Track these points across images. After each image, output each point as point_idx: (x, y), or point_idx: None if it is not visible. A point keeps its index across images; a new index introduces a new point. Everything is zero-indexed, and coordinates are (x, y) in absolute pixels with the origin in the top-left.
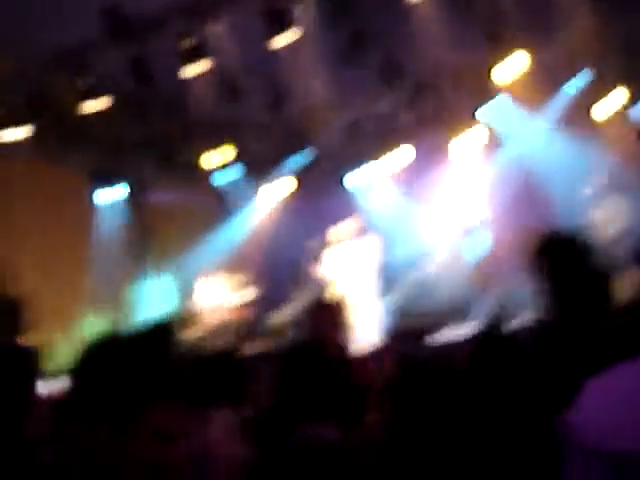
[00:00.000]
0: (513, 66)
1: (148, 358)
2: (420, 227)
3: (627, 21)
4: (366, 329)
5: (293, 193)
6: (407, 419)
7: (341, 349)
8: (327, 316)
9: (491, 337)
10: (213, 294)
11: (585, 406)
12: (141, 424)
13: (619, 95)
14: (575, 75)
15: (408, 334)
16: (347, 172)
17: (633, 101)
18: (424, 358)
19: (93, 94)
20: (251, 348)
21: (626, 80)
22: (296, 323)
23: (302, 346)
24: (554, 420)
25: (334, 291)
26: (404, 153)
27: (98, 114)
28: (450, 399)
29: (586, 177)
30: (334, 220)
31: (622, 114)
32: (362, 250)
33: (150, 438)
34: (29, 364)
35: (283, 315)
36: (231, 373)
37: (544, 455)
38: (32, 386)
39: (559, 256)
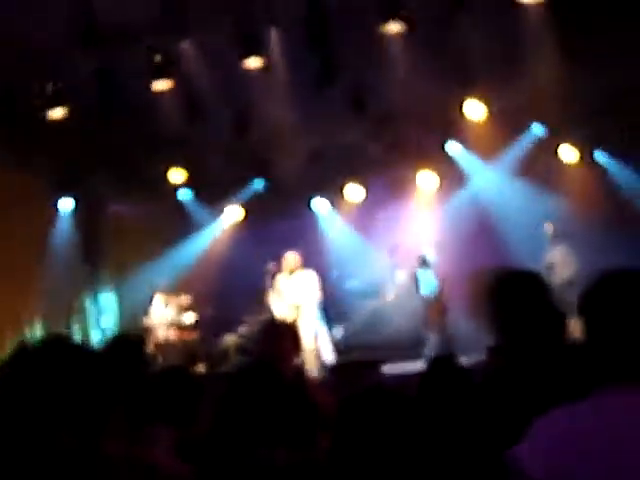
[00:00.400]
0: (474, 111)
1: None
2: (375, 259)
3: (590, 76)
4: (314, 356)
5: (251, 216)
6: (349, 446)
7: (294, 371)
8: (281, 336)
9: (439, 370)
10: (163, 312)
11: (533, 441)
12: (110, 427)
13: (574, 146)
14: (533, 124)
15: (358, 365)
16: (307, 199)
17: (590, 151)
18: (372, 387)
19: (59, 101)
20: (198, 368)
21: (584, 132)
22: (246, 345)
23: (252, 367)
24: (503, 453)
25: (285, 315)
26: (365, 184)
27: (62, 121)
28: (396, 428)
29: (539, 223)
30: (290, 246)
31: (579, 163)
32: (310, 279)
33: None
34: None
35: (232, 337)
36: (177, 392)
37: None
38: None
39: (514, 293)
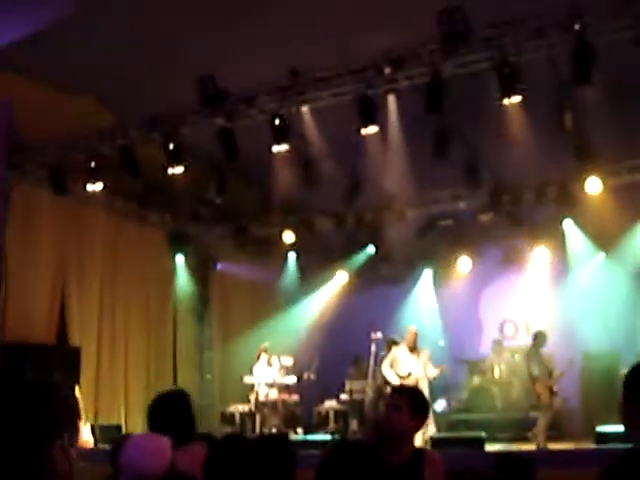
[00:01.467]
0: (592, 187)
1: None
2: (482, 334)
3: None
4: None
5: (357, 283)
6: None
7: (412, 445)
8: (414, 405)
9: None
10: (266, 371)
11: None
12: None
13: None
14: None
15: (461, 441)
16: (416, 267)
17: None
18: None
19: (179, 158)
20: (296, 431)
21: None
22: (347, 411)
23: (359, 443)
24: None
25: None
26: (476, 255)
27: (180, 178)
28: None
29: None
30: (398, 316)
31: None
32: (427, 356)
33: None
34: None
35: (332, 403)
36: (277, 458)
37: None
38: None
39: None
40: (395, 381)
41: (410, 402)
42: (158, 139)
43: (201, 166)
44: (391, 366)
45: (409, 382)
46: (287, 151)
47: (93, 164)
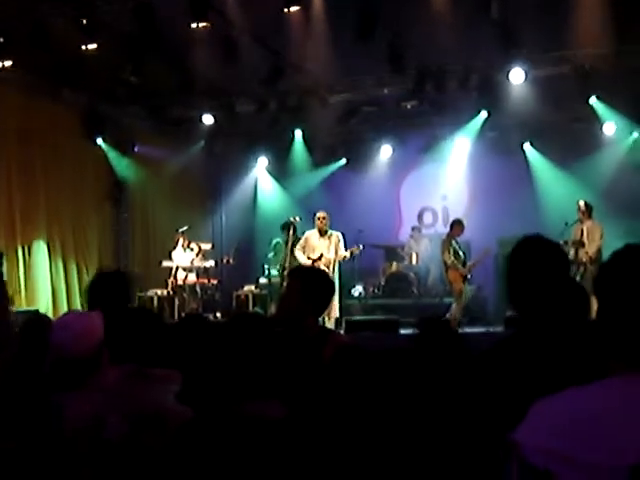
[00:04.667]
0: (516, 76)
1: None
2: (402, 221)
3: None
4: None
5: (278, 166)
6: (340, 404)
7: (316, 326)
8: (317, 282)
9: (433, 332)
10: (184, 255)
11: (534, 424)
12: None
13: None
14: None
15: (379, 325)
16: (338, 154)
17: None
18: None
19: (92, 35)
20: (215, 315)
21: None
22: (265, 297)
23: (253, 317)
24: (500, 434)
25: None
26: (398, 142)
27: (95, 56)
28: (391, 390)
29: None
30: (322, 202)
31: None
32: (339, 239)
33: None
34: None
35: (251, 288)
36: (193, 338)
37: (485, 468)
38: None
39: (526, 261)
40: (306, 263)
41: (303, 284)
42: (71, 15)
43: (117, 44)
44: (303, 250)
45: (320, 264)
46: (207, 30)
47: (1, 39)
